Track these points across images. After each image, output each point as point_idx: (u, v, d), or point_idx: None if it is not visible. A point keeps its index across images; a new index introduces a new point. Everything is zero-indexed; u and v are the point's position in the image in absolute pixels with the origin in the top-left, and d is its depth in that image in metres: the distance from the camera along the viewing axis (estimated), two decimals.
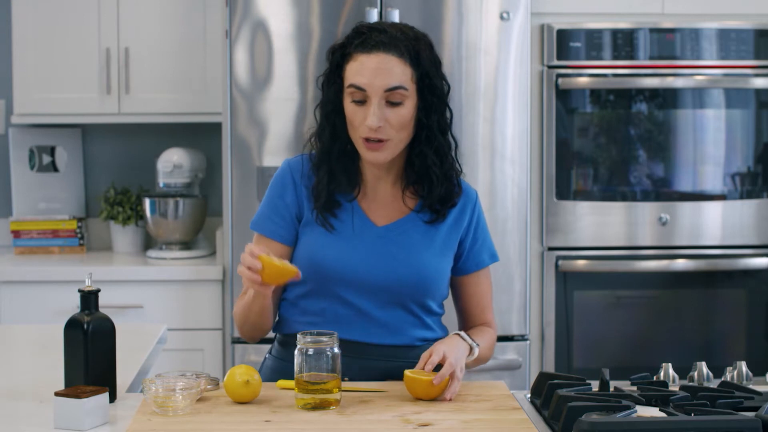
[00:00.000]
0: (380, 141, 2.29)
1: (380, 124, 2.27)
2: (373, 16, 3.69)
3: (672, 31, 3.92)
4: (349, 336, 2.31)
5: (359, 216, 2.38)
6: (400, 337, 2.37)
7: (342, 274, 2.33)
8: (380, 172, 2.39)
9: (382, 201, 2.40)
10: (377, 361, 2.36)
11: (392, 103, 2.29)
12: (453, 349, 2.23)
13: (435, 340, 2.41)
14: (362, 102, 2.30)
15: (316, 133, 2.39)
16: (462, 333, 2.32)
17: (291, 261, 2.35)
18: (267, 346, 2.63)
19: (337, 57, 2.34)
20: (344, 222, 2.37)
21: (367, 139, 2.30)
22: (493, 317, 2.49)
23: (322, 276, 2.33)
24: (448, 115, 2.38)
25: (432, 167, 2.35)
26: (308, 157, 2.42)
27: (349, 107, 2.32)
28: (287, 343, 2.42)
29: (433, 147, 2.35)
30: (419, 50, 2.32)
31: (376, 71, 2.28)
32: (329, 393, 2.08)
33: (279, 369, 2.40)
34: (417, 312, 2.39)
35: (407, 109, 2.30)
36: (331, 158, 2.36)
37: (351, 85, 2.30)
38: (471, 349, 2.30)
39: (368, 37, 2.30)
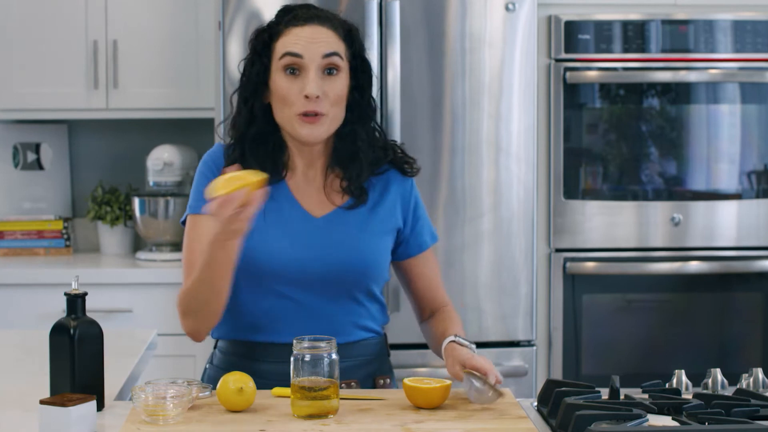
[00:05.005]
0: (317, 115, 2.27)
1: (319, 93, 2.26)
2: (373, 7, 3.65)
3: (685, 22, 3.93)
4: (288, 337, 2.20)
5: (294, 207, 2.35)
6: (343, 334, 2.33)
7: (282, 270, 2.29)
8: (311, 158, 2.37)
9: (315, 189, 2.38)
10: None
11: (329, 73, 2.29)
12: (478, 357, 2.21)
13: (377, 330, 2.42)
14: (297, 73, 2.28)
15: (231, 119, 2.37)
16: (456, 339, 2.27)
17: None
18: None
19: (265, 37, 2.34)
20: (280, 213, 2.33)
21: (305, 114, 2.27)
22: (445, 294, 2.49)
23: (261, 274, 2.28)
24: (374, 104, 2.41)
25: (362, 148, 2.36)
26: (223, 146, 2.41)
27: (281, 83, 2.29)
28: (230, 352, 2.38)
29: (365, 127, 2.37)
30: (350, 29, 2.36)
31: (311, 39, 2.29)
32: (327, 400, 2.05)
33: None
34: (362, 300, 2.37)
35: (343, 82, 2.31)
36: (244, 145, 2.34)
37: (286, 54, 2.28)
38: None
39: (299, 13, 2.33)
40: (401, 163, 2.41)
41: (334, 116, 2.30)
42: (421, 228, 2.43)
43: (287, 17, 2.32)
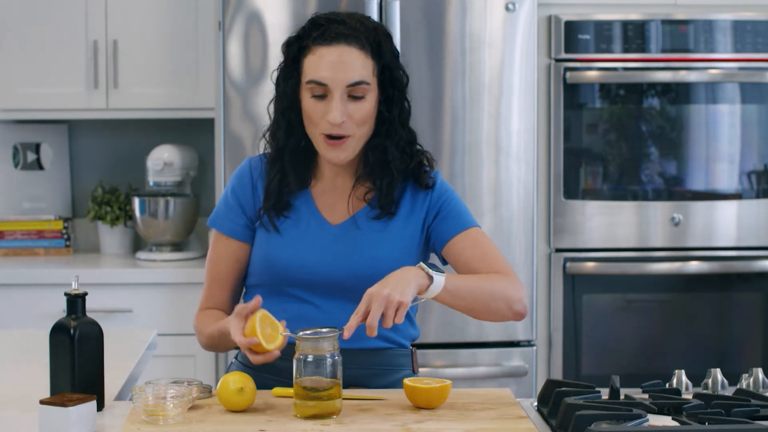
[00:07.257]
0: (342, 137, 2.29)
1: (343, 119, 2.27)
2: (373, 7, 3.64)
3: (685, 22, 3.91)
4: None
5: (314, 214, 2.39)
6: (361, 340, 2.29)
7: (298, 275, 2.33)
8: (339, 167, 2.39)
9: (340, 196, 2.40)
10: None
11: (354, 98, 2.29)
12: (380, 283, 2.14)
13: (400, 342, 2.41)
14: (323, 97, 2.29)
15: (270, 131, 2.40)
16: (421, 264, 2.21)
17: (248, 260, 2.41)
18: None
19: (294, 50, 2.33)
20: (298, 220, 2.38)
21: (329, 136, 2.29)
22: (504, 266, 2.34)
23: (278, 278, 2.35)
24: (407, 107, 2.39)
25: (392, 161, 2.35)
26: (265, 156, 2.44)
27: (308, 103, 2.31)
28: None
29: (394, 141, 2.36)
30: (380, 41, 2.32)
31: (337, 65, 2.27)
32: (330, 401, 2.05)
33: None
34: None
35: (369, 104, 2.31)
36: (284, 156, 2.37)
37: (311, 81, 2.29)
38: (431, 278, 2.18)
39: (327, 29, 2.29)
40: (416, 175, 2.39)
41: (360, 135, 2.31)
42: (445, 218, 2.38)
43: (315, 33, 2.29)
